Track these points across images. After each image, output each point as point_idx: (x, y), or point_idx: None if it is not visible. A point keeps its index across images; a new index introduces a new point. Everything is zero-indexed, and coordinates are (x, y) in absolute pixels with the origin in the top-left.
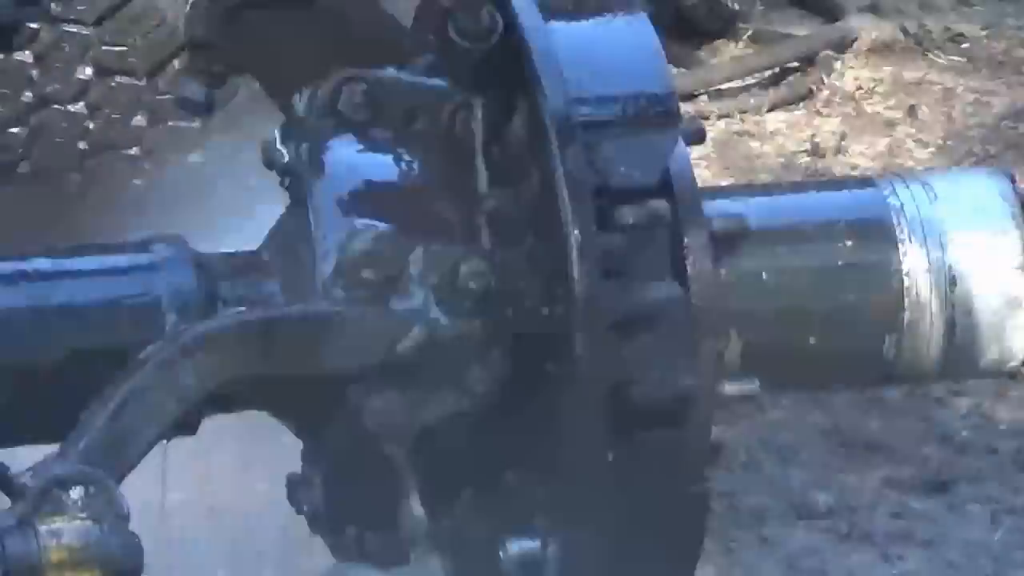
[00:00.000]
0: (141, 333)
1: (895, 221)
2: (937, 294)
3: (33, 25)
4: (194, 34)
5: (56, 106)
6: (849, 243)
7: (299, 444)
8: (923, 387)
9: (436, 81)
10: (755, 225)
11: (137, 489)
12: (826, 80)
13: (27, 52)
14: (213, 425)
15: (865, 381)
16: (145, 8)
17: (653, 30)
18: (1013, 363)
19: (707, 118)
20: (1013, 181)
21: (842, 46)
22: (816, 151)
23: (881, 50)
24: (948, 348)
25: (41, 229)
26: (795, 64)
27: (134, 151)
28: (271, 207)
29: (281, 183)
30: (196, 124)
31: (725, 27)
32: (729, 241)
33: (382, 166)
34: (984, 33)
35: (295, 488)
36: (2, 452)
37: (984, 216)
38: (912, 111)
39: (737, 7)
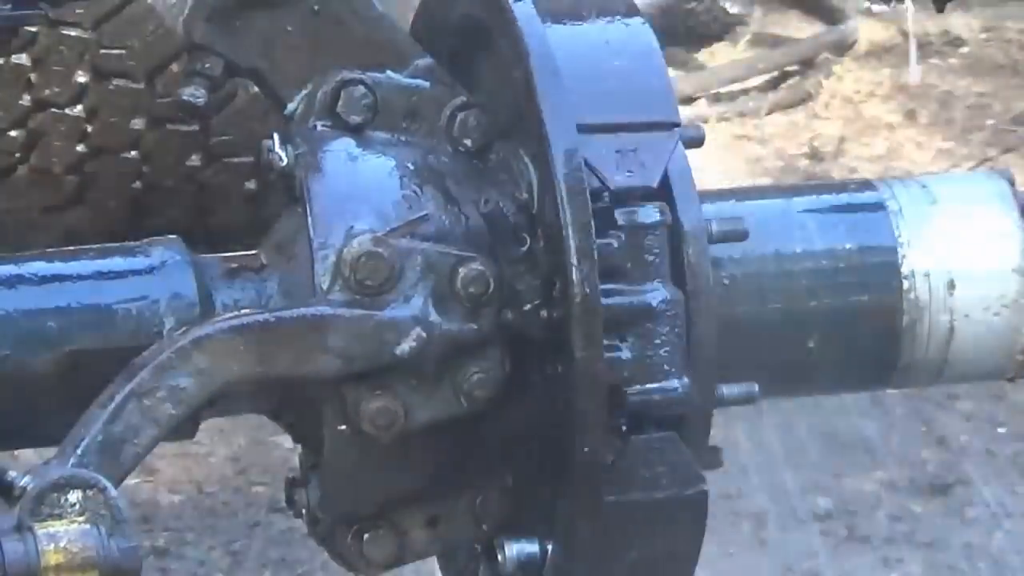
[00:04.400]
0: (139, 336)
1: (894, 224)
2: (936, 297)
3: (31, 28)
4: (193, 37)
5: (54, 109)
6: (848, 246)
7: (296, 447)
8: (922, 390)
9: (434, 83)
10: (754, 228)
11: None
12: (825, 83)
13: (25, 55)
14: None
15: (864, 384)
16: (143, 11)
17: (652, 33)
18: (1012, 367)
19: (706, 121)
20: (1012, 184)
21: (841, 49)
22: (815, 154)
23: (880, 53)
24: (947, 351)
25: (39, 232)
26: (794, 67)
27: (133, 154)
28: None
29: (279, 185)
30: (195, 127)
31: (724, 30)
32: (728, 244)
33: (380, 168)
34: (983, 36)
35: (293, 491)
36: (1, 455)
37: (983, 219)
38: (911, 114)
39: (736, 11)
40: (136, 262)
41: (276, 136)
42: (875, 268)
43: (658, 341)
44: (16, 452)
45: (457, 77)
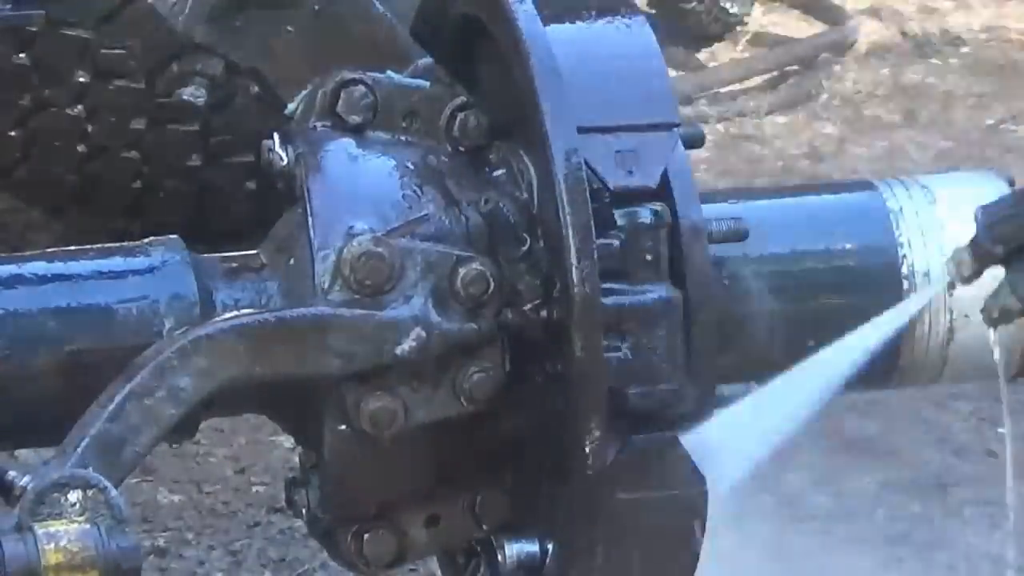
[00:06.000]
0: (139, 336)
1: (894, 224)
2: (936, 297)
3: (31, 28)
4: (193, 37)
5: (54, 109)
6: (848, 246)
7: (296, 447)
8: (922, 390)
9: (434, 83)
10: (754, 228)
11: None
12: (826, 83)
13: (25, 55)
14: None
15: (864, 384)
16: (143, 11)
17: (652, 33)
18: (1012, 366)
19: (706, 121)
20: (1012, 184)
21: (842, 49)
22: (815, 154)
23: (880, 53)
24: (947, 351)
25: (39, 232)
26: (795, 67)
27: (133, 154)
28: None
29: (279, 186)
30: (196, 127)
31: (724, 30)
32: (727, 244)
33: (380, 168)
34: (984, 36)
35: (293, 491)
36: (1, 455)
37: None
38: (911, 114)
39: (736, 11)
40: (136, 262)
41: (276, 136)
42: (875, 268)
43: (658, 341)
44: (16, 452)
45: (457, 77)
